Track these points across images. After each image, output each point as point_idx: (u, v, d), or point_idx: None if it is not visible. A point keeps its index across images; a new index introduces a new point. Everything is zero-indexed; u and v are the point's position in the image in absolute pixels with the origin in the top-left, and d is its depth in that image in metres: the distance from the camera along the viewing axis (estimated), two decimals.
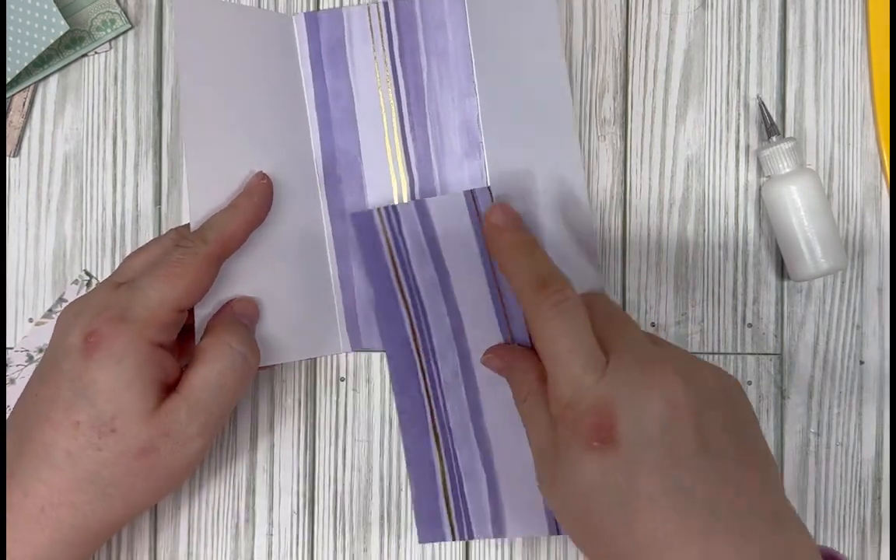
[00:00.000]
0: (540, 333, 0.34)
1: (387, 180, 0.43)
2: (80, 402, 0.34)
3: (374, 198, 0.43)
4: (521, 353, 0.38)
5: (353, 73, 0.43)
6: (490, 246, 0.39)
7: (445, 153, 0.43)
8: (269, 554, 0.43)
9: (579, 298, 0.34)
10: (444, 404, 0.42)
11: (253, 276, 0.40)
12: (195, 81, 0.38)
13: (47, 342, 0.37)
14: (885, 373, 0.43)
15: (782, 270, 0.43)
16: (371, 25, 0.43)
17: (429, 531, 0.42)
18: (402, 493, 0.43)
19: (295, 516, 0.43)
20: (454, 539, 0.42)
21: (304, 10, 0.44)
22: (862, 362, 0.43)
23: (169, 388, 0.36)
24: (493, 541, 0.43)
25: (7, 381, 0.42)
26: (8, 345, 0.44)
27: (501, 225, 0.38)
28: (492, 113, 0.42)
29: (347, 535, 0.43)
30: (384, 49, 0.43)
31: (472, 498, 0.41)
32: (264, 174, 0.40)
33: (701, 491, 0.30)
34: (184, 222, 0.44)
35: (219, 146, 0.39)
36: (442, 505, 0.42)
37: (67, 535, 0.34)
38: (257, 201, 0.39)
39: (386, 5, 0.43)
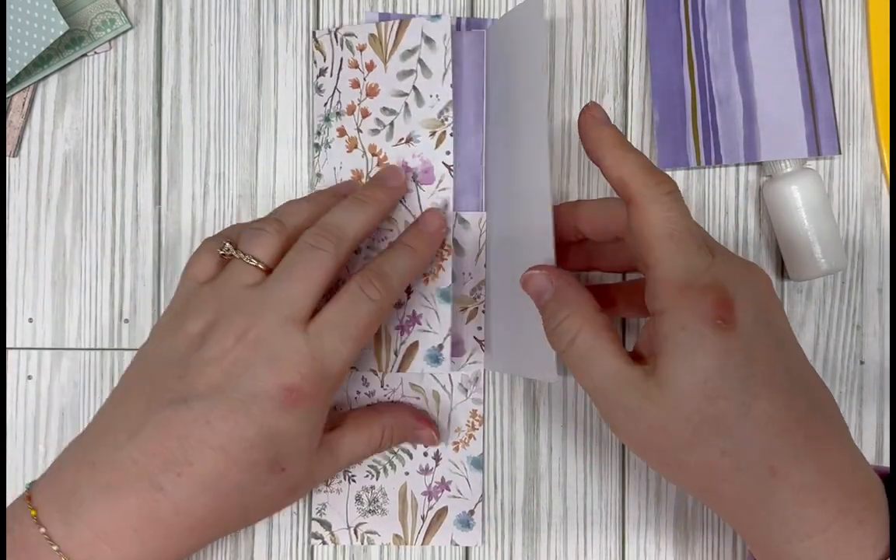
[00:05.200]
0: (656, 215, 0.33)
1: None
2: (265, 445, 0.35)
3: None
4: (572, 282, 0.35)
5: None
6: (590, 135, 0.35)
7: None
8: (269, 554, 0.43)
9: None
10: (705, 31, 0.42)
11: None
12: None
13: None
14: (885, 373, 0.43)
15: (782, 270, 0.43)
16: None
17: (671, 157, 0.42)
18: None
19: (295, 516, 0.43)
20: (699, 165, 0.42)
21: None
22: (862, 362, 0.43)
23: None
24: (492, 540, 0.43)
25: None
26: (8, 345, 0.44)
27: (602, 120, 0.35)
28: (493, 153, 0.43)
29: None
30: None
31: (725, 123, 0.42)
32: (393, 166, 0.42)
33: (803, 376, 0.32)
34: (183, 220, 0.44)
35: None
36: (689, 130, 0.42)
37: (198, 545, 0.36)
38: (395, 193, 0.42)
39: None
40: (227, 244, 0.38)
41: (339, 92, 0.43)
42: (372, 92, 0.43)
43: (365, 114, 0.43)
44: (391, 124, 0.43)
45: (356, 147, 0.43)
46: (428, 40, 0.42)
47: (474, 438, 0.43)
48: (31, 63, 0.42)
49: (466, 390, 0.43)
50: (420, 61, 0.42)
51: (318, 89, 0.43)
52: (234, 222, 0.44)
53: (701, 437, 0.31)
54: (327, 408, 0.37)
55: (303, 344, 0.35)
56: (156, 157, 0.44)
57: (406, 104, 0.42)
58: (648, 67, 0.44)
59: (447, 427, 0.43)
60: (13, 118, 0.43)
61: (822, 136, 0.42)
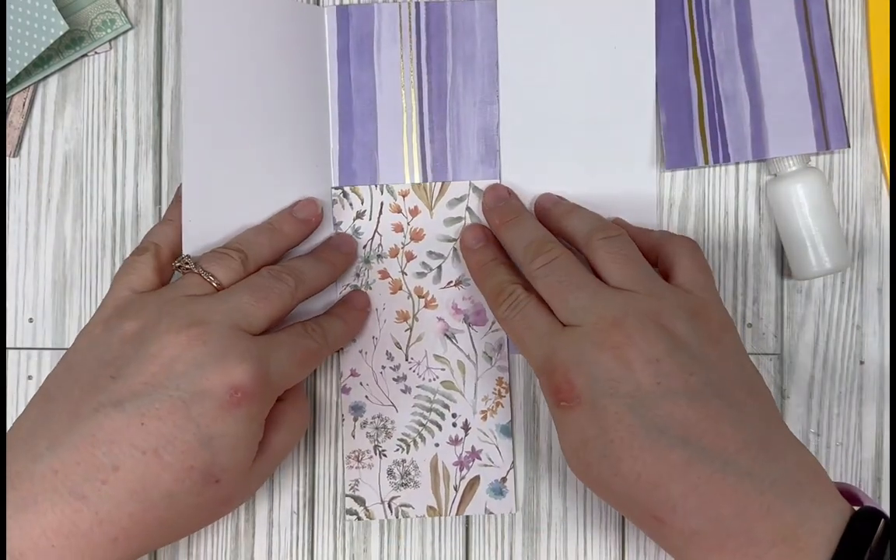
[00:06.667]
0: (505, 330, 0.40)
1: (401, 178, 0.43)
2: (201, 451, 0.33)
3: None
4: None
5: (378, 69, 0.43)
6: (466, 262, 0.43)
7: (462, 157, 0.44)
8: (269, 554, 0.43)
9: (530, 296, 0.37)
10: (710, 30, 0.42)
11: None
12: (202, 69, 0.39)
13: None
14: (885, 373, 0.43)
15: (782, 270, 0.43)
16: (401, 24, 0.43)
17: (679, 158, 0.42)
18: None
19: (295, 516, 0.43)
20: (707, 164, 0.42)
21: (336, 3, 0.44)
22: (862, 362, 0.43)
23: None
24: (492, 539, 0.43)
25: None
26: (8, 345, 0.44)
27: (473, 246, 0.42)
28: (512, 122, 0.43)
29: (347, 535, 0.43)
30: (411, 49, 0.43)
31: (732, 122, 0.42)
32: (346, 234, 0.43)
33: (674, 428, 0.32)
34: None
35: (226, 136, 0.40)
36: (696, 130, 0.42)
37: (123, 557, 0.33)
38: (348, 259, 0.43)
39: (417, 5, 0.43)
40: (187, 257, 0.38)
41: (381, 235, 0.43)
42: (417, 236, 0.43)
43: (409, 257, 0.43)
44: (439, 268, 0.43)
45: (401, 289, 0.43)
46: (476, 190, 0.43)
47: (502, 406, 0.43)
48: (31, 63, 0.42)
49: (491, 358, 0.43)
50: (469, 209, 0.43)
51: (356, 232, 0.43)
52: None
53: (595, 487, 0.35)
54: (263, 421, 0.36)
55: (252, 346, 0.35)
56: (156, 157, 0.44)
57: (455, 249, 0.43)
58: None
59: (474, 396, 0.43)
60: (13, 118, 0.43)
61: (830, 131, 0.42)
